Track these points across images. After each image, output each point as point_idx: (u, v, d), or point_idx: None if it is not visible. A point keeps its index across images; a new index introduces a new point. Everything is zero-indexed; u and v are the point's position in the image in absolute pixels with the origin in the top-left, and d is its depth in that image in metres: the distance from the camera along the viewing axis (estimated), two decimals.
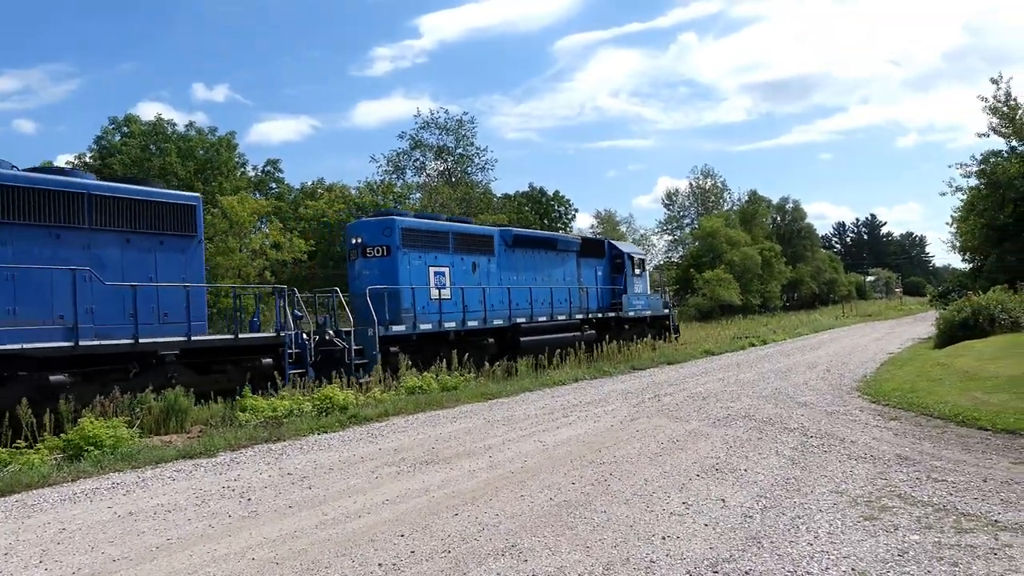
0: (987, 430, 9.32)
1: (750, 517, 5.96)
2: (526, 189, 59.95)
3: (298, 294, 15.90)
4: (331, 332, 15.75)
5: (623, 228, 65.64)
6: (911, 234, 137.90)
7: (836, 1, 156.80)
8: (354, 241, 17.96)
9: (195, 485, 7.92)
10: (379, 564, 5.19)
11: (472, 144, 47.71)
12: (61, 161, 43.96)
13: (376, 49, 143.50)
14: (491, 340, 19.46)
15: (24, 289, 11.26)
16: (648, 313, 27.82)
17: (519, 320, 20.21)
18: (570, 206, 63.19)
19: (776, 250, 64.53)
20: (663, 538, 5.50)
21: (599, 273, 25.58)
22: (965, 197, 35.47)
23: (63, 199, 12.03)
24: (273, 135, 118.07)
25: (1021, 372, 12.89)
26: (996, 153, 34.04)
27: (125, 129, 37.12)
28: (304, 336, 14.96)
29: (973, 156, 35.66)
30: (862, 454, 8.23)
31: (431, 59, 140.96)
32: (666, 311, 29.73)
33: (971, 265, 38.40)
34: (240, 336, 14.00)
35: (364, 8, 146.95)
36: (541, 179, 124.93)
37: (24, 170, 12.20)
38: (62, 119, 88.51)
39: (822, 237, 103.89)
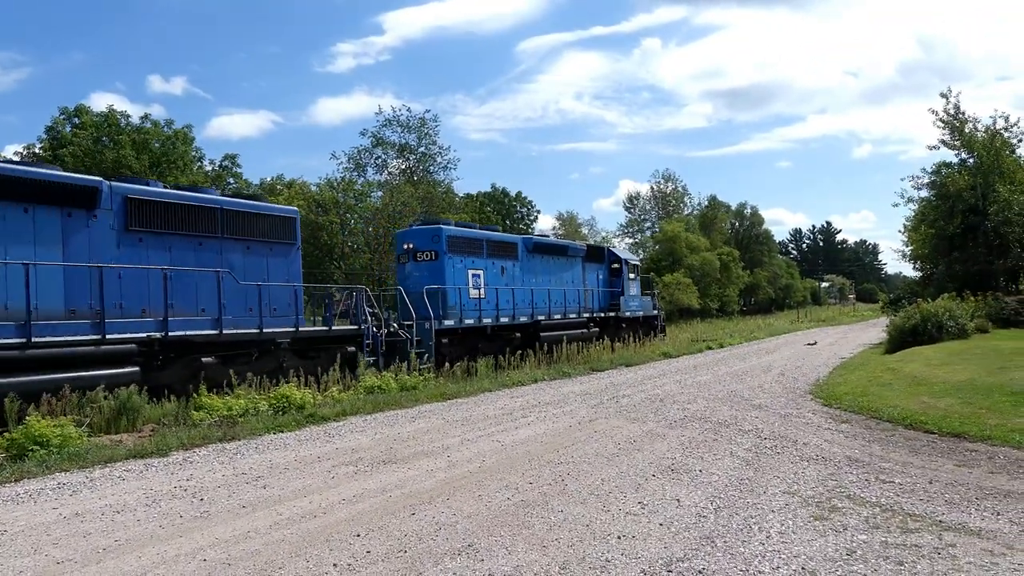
0: (934, 433, 9.58)
1: (704, 517, 6.04)
2: (488, 189, 60.08)
3: (369, 292, 18.22)
4: (395, 325, 18.16)
5: (585, 230, 66.04)
6: (865, 242, 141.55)
7: (796, 12, 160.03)
8: (405, 246, 20.17)
9: (146, 485, 7.75)
10: (334, 564, 5.14)
11: (435, 143, 47.55)
12: (10, 152, 42.77)
13: (338, 45, 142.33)
14: (518, 334, 21.94)
15: (177, 287, 13.36)
16: (641, 313, 30.26)
17: (539, 317, 22.76)
18: (532, 207, 63.51)
19: (734, 255, 65.53)
20: (619, 537, 5.54)
21: (600, 276, 28.00)
22: (916, 208, 36.46)
23: (204, 213, 14.39)
24: (232, 130, 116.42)
25: (967, 378, 13.28)
26: (947, 165, 35.08)
27: (76, 120, 36.15)
28: (375, 328, 17.32)
29: (924, 169, 36.78)
30: (814, 456, 8.40)
31: (394, 56, 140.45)
32: (655, 312, 32.38)
33: (921, 273, 39.45)
34: (332, 328, 16.56)
35: (327, 4, 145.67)
36: (503, 180, 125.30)
37: (171, 187, 15.18)
38: (11, 109, 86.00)
39: (779, 243, 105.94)
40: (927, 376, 14.19)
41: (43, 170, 12.49)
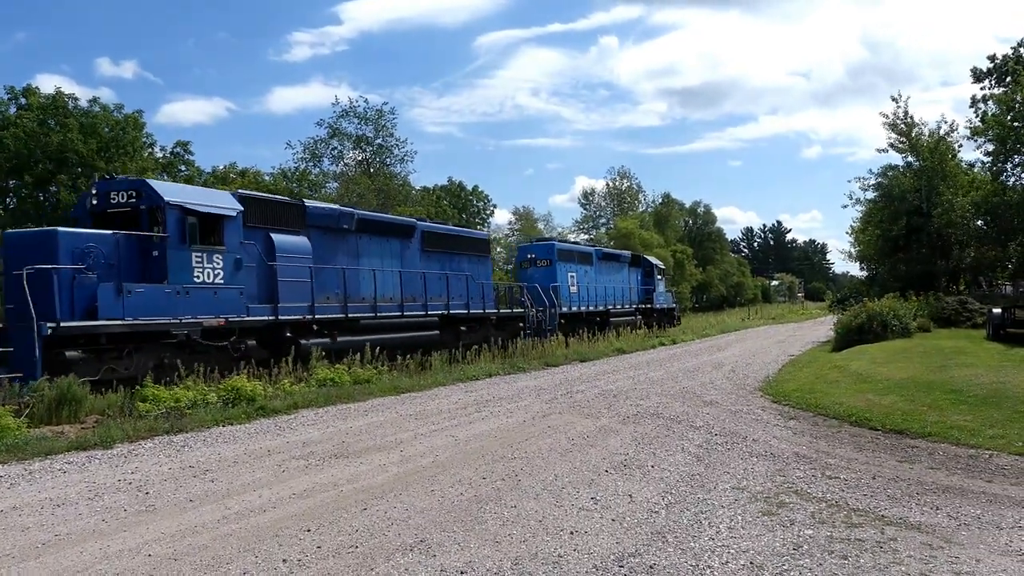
0: (877, 430, 9.85)
1: (656, 512, 6.10)
2: (445, 183, 59.72)
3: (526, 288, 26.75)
4: (536, 311, 25.78)
5: (541, 226, 66.26)
6: (814, 241, 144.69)
7: (748, 14, 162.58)
8: (529, 256, 29.00)
9: (88, 478, 7.53)
10: (283, 560, 5.06)
11: (392, 135, 47.09)
12: None
13: (295, 34, 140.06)
14: (597, 319, 30.12)
15: (450, 284, 21.15)
16: (665, 306, 39.88)
17: (608, 307, 31.80)
18: (488, 201, 63.35)
19: (688, 252, 66.42)
20: (571, 533, 5.56)
21: (638, 278, 37.14)
22: (863, 210, 37.41)
23: (456, 239, 23.04)
24: (184, 116, 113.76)
25: (909, 375, 13.67)
26: (892, 167, 36.05)
27: (23, 100, 34.85)
28: (530, 312, 25.78)
29: (871, 170, 37.65)
30: (763, 452, 8.56)
31: (351, 47, 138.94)
32: (673, 304, 42.43)
33: (867, 273, 40.51)
34: (514, 311, 24.78)
35: None
36: (460, 173, 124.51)
37: (432, 221, 25.75)
38: None
39: (731, 241, 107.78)
40: (872, 374, 14.56)
41: (395, 217, 23.24)
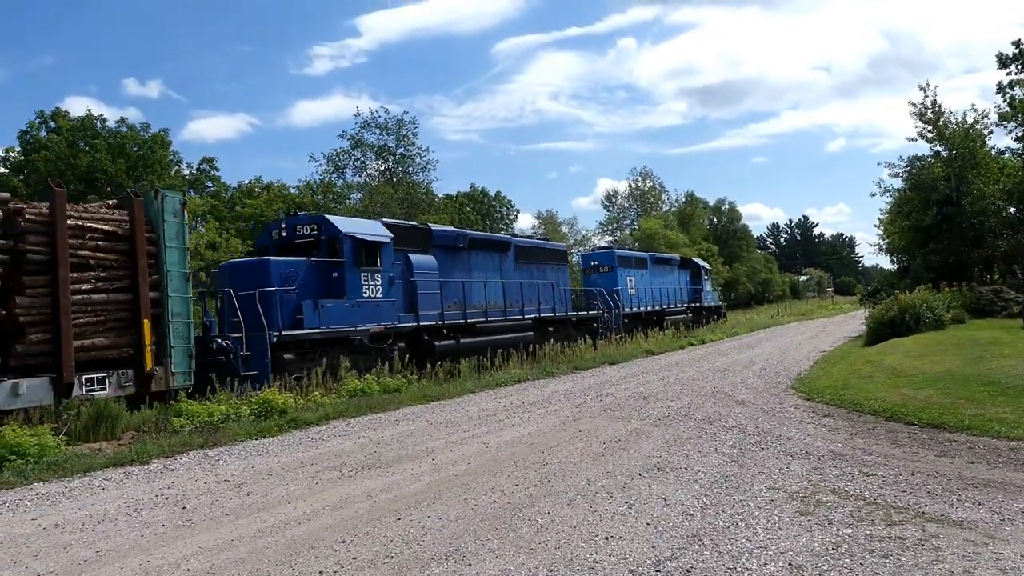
0: (914, 425, 9.68)
1: (691, 515, 6.05)
2: (468, 190, 59.90)
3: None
4: (604, 312, 28.37)
5: (565, 229, 66.11)
6: (841, 235, 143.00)
7: (766, 10, 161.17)
8: (592, 263, 32.03)
9: (126, 494, 7.64)
10: (320, 572, 5.09)
11: (413, 144, 47.34)
12: None
13: (315, 48, 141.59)
14: (654, 318, 32.75)
15: (540, 291, 23.80)
16: (713, 304, 43.44)
17: (662, 307, 34.55)
18: (511, 207, 63.41)
19: (713, 250, 65.98)
20: (606, 538, 5.53)
21: (687, 279, 39.93)
22: (892, 200, 36.85)
23: (543, 251, 25.61)
24: (209, 133, 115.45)
25: (944, 369, 13.44)
26: (921, 158, 35.46)
27: (52, 124, 35.60)
28: (603, 314, 28.27)
29: (900, 157, 37.03)
30: (797, 451, 8.45)
31: (371, 59, 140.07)
32: (720, 303, 46.28)
33: (898, 265, 39.89)
34: (589, 312, 27.17)
35: (302, 7, 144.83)
36: (483, 180, 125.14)
37: (524, 236, 32.31)
38: None
39: (757, 238, 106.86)
40: (906, 368, 14.34)
41: (494, 234, 27.54)
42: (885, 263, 55.33)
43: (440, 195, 50.47)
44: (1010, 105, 30.12)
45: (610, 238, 72.16)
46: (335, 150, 45.26)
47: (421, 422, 11.79)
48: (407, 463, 8.58)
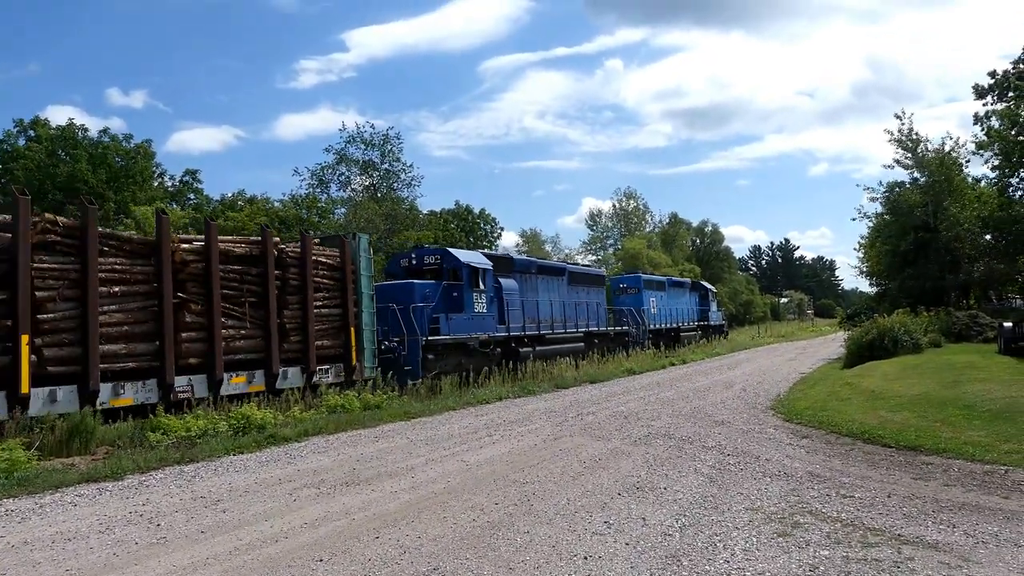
0: (891, 447, 9.77)
1: (670, 535, 6.05)
2: (452, 206, 59.82)
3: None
4: (633, 328, 32.41)
5: (548, 247, 66.27)
6: (822, 258, 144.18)
7: (752, 35, 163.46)
8: (620, 285, 35.72)
9: (99, 511, 7.52)
10: None
11: (398, 160, 47.38)
12: None
13: (302, 62, 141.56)
14: (672, 334, 36.94)
15: (588, 309, 27.97)
16: (718, 323, 47.68)
17: (678, 324, 38.81)
18: (496, 224, 63.30)
19: (696, 272, 66.23)
20: (585, 558, 5.52)
21: (697, 300, 44.23)
22: (871, 225, 37.36)
23: (588, 276, 30.21)
24: (193, 144, 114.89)
25: (921, 391, 13.58)
26: (899, 183, 36.03)
27: (31, 133, 35.30)
28: (632, 329, 32.45)
29: (880, 182, 37.54)
30: (776, 472, 8.49)
31: (359, 74, 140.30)
32: (723, 322, 50.31)
33: (877, 289, 40.35)
34: (621, 328, 31.62)
35: (290, 20, 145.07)
36: (467, 197, 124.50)
37: (572, 263, 35.71)
38: None
39: (739, 260, 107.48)
40: (884, 390, 14.47)
41: (555, 262, 31.21)
42: (865, 286, 55.91)
43: (424, 211, 50.46)
44: (987, 135, 30.72)
45: (593, 257, 72.49)
46: (320, 164, 45.23)
47: (401, 439, 11.72)
48: (386, 480, 8.52)
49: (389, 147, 46.22)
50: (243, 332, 14.17)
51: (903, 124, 34.90)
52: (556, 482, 8.17)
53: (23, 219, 10.91)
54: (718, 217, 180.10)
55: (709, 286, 48.24)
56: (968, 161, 34.88)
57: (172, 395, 12.53)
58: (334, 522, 6.77)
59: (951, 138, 36.32)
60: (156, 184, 38.73)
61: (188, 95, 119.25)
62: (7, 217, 11.10)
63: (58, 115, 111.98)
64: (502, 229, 61.03)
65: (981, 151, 31.06)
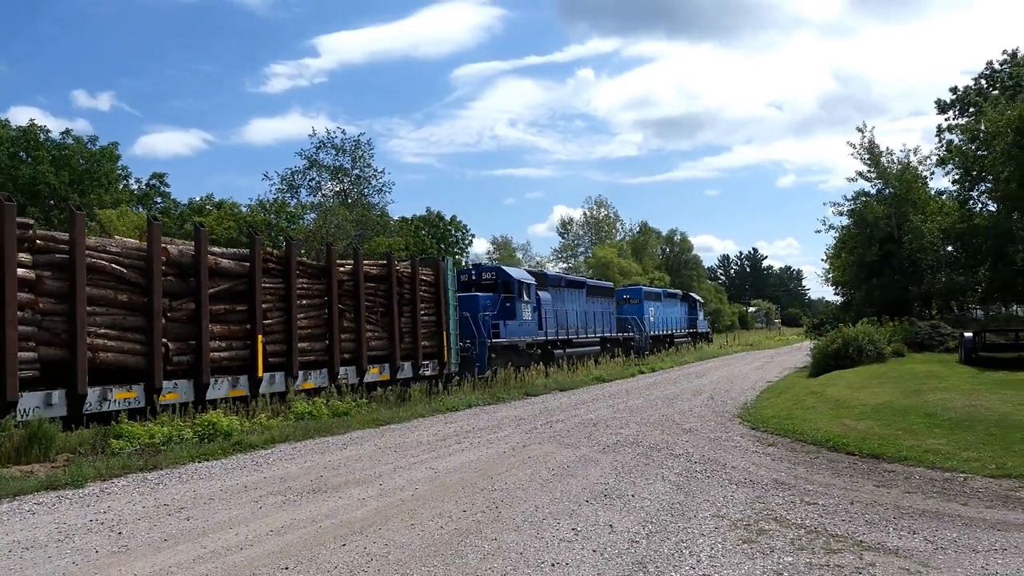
0: (855, 455, 9.92)
1: (637, 542, 6.09)
2: (423, 213, 59.76)
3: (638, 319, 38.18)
4: (636, 335, 36.24)
5: (519, 255, 66.45)
6: (790, 268, 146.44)
7: (722, 47, 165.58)
8: (624, 296, 39.17)
9: (58, 519, 7.36)
10: None
11: (369, 166, 47.22)
12: None
13: (273, 66, 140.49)
14: (667, 340, 41.44)
15: (603, 318, 32.92)
16: (704, 330, 52.59)
17: (672, 331, 43.25)
18: (467, 231, 63.34)
19: (665, 280, 66.85)
20: (553, 565, 5.53)
21: (686, 309, 48.85)
22: (837, 235, 37.92)
23: (602, 289, 34.18)
24: (161, 148, 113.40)
25: (885, 400, 13.81)
26: (865, 194, 36.65)
27: None
28: (636, 335, 36.27)
29: (845, 196, 38.22)
30: (742, 479, 8.58)
31: (330, 79, 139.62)
32: (708, 329, 55.70)
33: (842, 299, 40.93)
34: (627, 334, 35.29)
35: (262, 25, 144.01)
36: (439, 203, 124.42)
37: (590, 279, 37.26)
38: None
39: (708, 269, 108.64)
40: (848, 399, 14.68)
41: (579, 277, 34.37)
42: (831, 296, 56.84)
43: (396, 217, 50.33)
44: (947, 149, 31.41)
45: (564, 265, 72.82)
46: (290, 169, 44.93)
47: (369, 446, 11.65)
48: (354, 488, 8.46)
49: (360, 153, 46.09)
50: (376, 334, 18.29)
51: (864, 137, 35.56)
52: (524, 489, 8.17)
53: (257, 253, 15.17)
54: (687, 226, 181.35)
55: (697, 297, 53.55)
56: (932, 174, 35.64)
57: (335, 381, 16.44)
58: (300, 529, 6.71)
59: (912, 151, 36.93)
60: (122, 187, 38.11)
61: (157, 98, 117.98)
62: (246, 251, 15.29)
63: (22, 116, 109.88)
64: (473, 236, 61.13)
65: (943, 165, 31.77)
